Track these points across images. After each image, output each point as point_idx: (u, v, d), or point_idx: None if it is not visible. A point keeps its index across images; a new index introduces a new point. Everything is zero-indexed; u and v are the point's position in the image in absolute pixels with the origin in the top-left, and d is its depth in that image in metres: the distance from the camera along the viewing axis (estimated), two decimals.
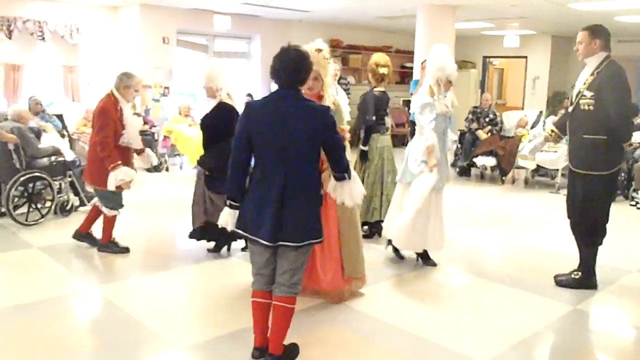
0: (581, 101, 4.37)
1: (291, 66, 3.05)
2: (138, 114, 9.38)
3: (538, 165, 9.12)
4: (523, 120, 10.09)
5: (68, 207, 6.67)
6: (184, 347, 3.54)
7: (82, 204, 6.81)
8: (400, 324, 3.96)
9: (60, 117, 8.60)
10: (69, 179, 6.69)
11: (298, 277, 3.21)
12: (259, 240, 3.09)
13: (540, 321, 4.09)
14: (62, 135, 8.15)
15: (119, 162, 4.94)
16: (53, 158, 6.48)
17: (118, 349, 3.56)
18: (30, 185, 6.20)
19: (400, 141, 13.60)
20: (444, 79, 4.73)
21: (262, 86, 12.25)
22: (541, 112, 10.82)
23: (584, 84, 4.38)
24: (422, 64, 9.08)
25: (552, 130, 4.88)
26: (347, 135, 4.33)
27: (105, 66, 10.69)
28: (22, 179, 6.06)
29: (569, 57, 14.37)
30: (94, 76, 10.77)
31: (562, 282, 4.71)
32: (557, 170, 8.93)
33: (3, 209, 6.18)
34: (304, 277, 3.52)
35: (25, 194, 6.20)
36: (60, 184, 6.57)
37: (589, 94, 4.32)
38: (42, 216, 6.26)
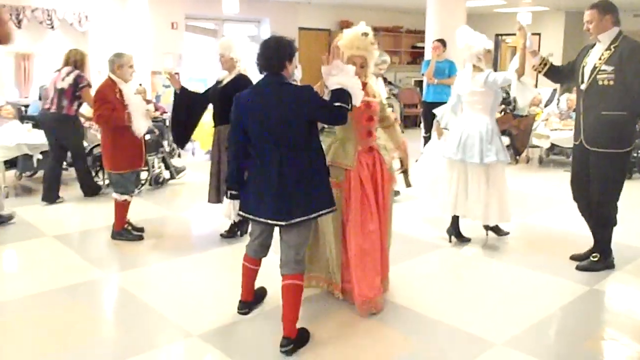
0: (599, 76, 4.27)
1: (267, 53, 3.20)
2: (149, 101, 9.40)
3: (552, 144, 9.01)
4: (537, 99, 9.94)
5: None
6: (200, 334, 3.55)
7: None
8: (413, 306, 3.94)
9: None
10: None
11: (302, 254, 3.34)
12: (261, 220, 3.28)
13: (556, 302, 4.05)
14: None
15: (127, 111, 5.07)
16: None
17: (135, 336, 3.58)
18: None
19: (413, 122, 13.51)
20: (482, 52, 4.90)
21: None
22: (555, 89, 10.66)
23: (600, 59, 4.28)
24: (433, 43, 9.02)
25: (543, 64, 4.78)
26: (394, 114, 4.32)
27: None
28: None
29: (583, 33, 14.08)
30: (104, 64, 10.75)
31: (583, 266, 4.63)
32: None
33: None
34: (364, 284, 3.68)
35: None
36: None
37: (608, 68, 4.21)
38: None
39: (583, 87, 4.40)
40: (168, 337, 3.55)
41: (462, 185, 5.06)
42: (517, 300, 4.12)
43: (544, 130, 9.08)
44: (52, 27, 10.16)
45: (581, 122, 4.43)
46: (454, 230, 5.28)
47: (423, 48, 10.76)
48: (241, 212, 3.39)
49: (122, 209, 5.29)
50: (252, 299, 3.77)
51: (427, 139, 9.28)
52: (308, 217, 3.23)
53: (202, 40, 12.05)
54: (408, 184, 4.22)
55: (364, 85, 3.64)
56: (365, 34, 3.71)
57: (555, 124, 9.04)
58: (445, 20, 9.35)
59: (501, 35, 15.60)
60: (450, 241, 5.29)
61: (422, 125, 9.49)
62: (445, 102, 8.83)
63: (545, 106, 9.87)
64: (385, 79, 13.19)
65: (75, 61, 6.51)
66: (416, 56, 14.79)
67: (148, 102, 9.38)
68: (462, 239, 5.27)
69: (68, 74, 6.42)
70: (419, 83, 13.20)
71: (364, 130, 3.76)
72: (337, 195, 3.61)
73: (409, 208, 6.53)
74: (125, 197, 5.26)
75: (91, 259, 4.87)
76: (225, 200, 3.38)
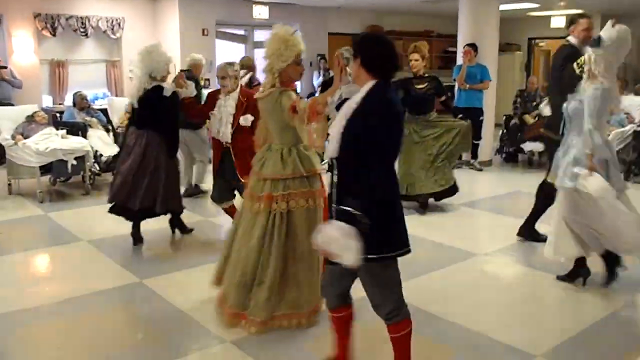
0: None
1: (393, 54, 2.70)
2: None
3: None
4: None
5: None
6: (232, 341, 3.52)
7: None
8: (448, 316, 3.85)
9: (104, 111, 8.71)
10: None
11: None
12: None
13: (596, 314, 3.92)
14: (107, 130, 8.26)
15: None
16: None
17: (165, 342, 3.57)
18: None
19: None
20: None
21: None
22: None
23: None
24: (464, 48, 8.91)
25: None
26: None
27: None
28: None
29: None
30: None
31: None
32: None
33: None
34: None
35: None
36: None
37: None
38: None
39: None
40: (201, 343, 3.53)
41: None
42: (558, 311, 4.01)
43: None
44: (86, 35, 10.33)
45: None
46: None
47: (455, 53, 10.64)
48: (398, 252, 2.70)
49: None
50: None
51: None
52: None
53: (233, 46, 12.11)
54: None
55: None
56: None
57: None
58: (478, 24, 9.22)
59: (534, 39, 15.37)
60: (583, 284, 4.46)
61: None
62: (478, 108, 8.81)
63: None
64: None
65: (249, 65, 7.35)
66: (447, 61, 14.64)
67: None
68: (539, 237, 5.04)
69: (244, 75, 7.08)
70: (451, 88, 13.07)
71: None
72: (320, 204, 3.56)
73: (452, 216, 6.43)
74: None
75: (125, 264, 4.89)
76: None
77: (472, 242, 5.40)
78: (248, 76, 7.59)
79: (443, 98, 6.54)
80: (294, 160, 3.59)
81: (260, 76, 8.37)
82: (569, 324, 3.75)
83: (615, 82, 4.18)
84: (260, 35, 12.35)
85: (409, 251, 2.70)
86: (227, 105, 4.92)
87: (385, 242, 2.61)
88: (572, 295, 4.27)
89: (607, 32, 4.00)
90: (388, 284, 2.74)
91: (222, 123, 4.95)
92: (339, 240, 2.46)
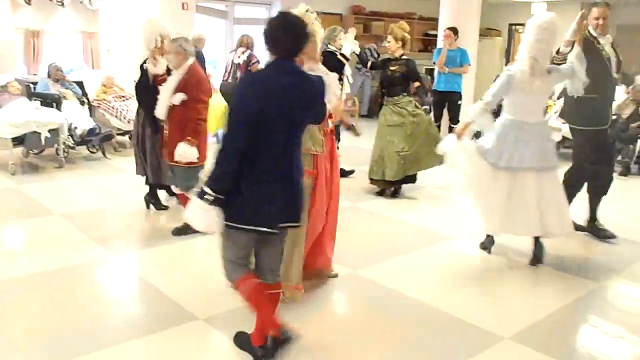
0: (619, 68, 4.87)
1: (293, 33, 2.72)
2: None
3: (564, 137, 8.90)
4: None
5: None
6: (204, 318, 3.53)
7: None
8: (421, 297, 3.91)
9: (80, 84, 8.56)
10: None
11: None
12: (271, 230, 2.80)
13: (564, 298, 4.01)
14: (82, 103, 8.13)
15: None
16: None
17: (138, 318, 3.57)
18: None
19: (423, 110, 13.40)
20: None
21: None
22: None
23: (616, 52, 4.75)
24: (444, 31, 8.91)
25: None
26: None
27: (125, 33, 10.60)
28: None
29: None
30: (114, 43, 10.69)
31: (589, 230, 5.10)
32: None
33: None
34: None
35: None
36: None
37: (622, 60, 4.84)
38: None
39: (616, 75, 4.85)
40: (173, 320, 3.52)
41: (520, 195, 4.40)
42: (526, 295, 4.09)
43: (555, 122, 8.97)
44: (62, 4, 10.08)
45: (610, 107, 4.96)
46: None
47: (435, 36, 10.65)
48: (248, 226, 2.78)
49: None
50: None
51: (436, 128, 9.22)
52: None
53: (213, 21, 11.95)
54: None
55: (317, 61, 3.63)
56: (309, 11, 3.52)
57: None
58: (460, 7, 9.24)
59: (515, 25, 15.42)
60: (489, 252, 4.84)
61: (432, 114, 9.40)
62: (457, 92, 8.84)
63: (558, 98, 9.75)
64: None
65: (248, 43, 8.31)
66: (428, 44, 14.64)
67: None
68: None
69: (243, 53, 8.20)
70: (431, 71, 13.08)
71: (325, 126, 3.71)
72: (308, 183, 3.59)
73: (425, 198, 6.48)
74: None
75: (98, 239, 4.84)
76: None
77: (447, 226, 5.45)
78: (246, 54, 8.24)
79: (417, 84, 6.54)
80: None
81: (259, 54, 8.49)
82: (536, 307, 3.83)
83: (527, 70, 4.21)
84: (240, 11, 12.20)
85: (264, 232, 2.78)
86: (168, 82, 4.79)
87: (235, 213, 2.73)
88: (540, 280, 4.35)
89: (531, 19, 4.28)
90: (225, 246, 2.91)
91: (160, 100, 4.76)
92: (195, 213, 2.70)
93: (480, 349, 3.30)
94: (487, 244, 4.83)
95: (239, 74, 8.15)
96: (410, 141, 6.15)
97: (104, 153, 7.72)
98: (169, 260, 4.49)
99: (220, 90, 8.37)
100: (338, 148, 4.09)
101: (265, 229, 2.77)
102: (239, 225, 2.76)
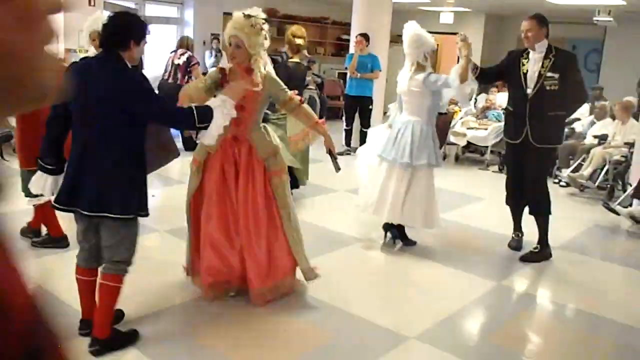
0: (545, 82, 4.67)
1: (109, 29, 3.00)
2: None
3: (468, 142, 9.30)
4: (454, 98, 10.21)
5: None
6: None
7: None
8: (329, 300, 3.94)
9: None
10: None
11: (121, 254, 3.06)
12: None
13: (467, 297, 4.18)
14: None
15: None
16: None
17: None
18: None
19: (335, 114, 13.58)
20: (430, 51, 4.86)
21: (196, 53, 11.88)
22: (473, 89, 10.99)
23: (544, 67, 4.68)
24: (356, 37, 9.07)
25: (476, 68, 4.88)
26: (298, 97, 3.84)
27: None
28: None
29: (502, 36, 14.68)
30: None
31: (525, 257, 4.95)
32: (487, 147, 9.13)
33: None
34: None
35: None
36: None
37: (555, 75, 4.66)
38: None
39: (529, 92, 4.73)
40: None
41: (389, 185, 4.93)
42: (430, 295, 4.22)
43: (460, 128, 9.36)
44: None
45: (527, 122, 4.75)
46: (399, 232, 5.13)
47: (348, 41, 10.82)
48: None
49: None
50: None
51: (348, 132, 9.37)
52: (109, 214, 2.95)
53: None
54: (337, 168, 3.85)
55: (249, 70, 3.57)
56: (248, 16, 3.54)
57: (472, 123, 9.34)
58: (371, 14, 9.43)
59: None
60: (385, 237, 5.16)
61: (344, 118, 9.54)
62: (368, 97, 9.03)
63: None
64: (309, 68, 13.13)
65: (188, 45, 8.68)
66: (341, 48, 14.87)
67: None
68: (407, 242, 5.11)
69: (183, 54, 8.49)
70: (343, 75, 13.26)
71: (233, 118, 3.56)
72: (193, 171, 3.78)
73: (334, 201, 6.56)
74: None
75: None
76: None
77: (354, 228, 5.54)
78: (186, 56, 8.51)
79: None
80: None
81: (198, 55, 8.42)
82: (440, 307, 3.96)
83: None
84: (151, 9, 11.89)
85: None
86: None
87: None
88: (444, 279, 4.52)
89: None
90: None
91: None
92: None
93: (386, 350, 3.38)
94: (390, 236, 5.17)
95: (179, 75, 8.41)
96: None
97: (1, 155, 7.28)
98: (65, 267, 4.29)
99: (159, 89, 8.30)
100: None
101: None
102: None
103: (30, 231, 4.66)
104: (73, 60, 3.16)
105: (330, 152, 3.83)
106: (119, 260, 3.05)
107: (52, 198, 3.07)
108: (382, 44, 9.53)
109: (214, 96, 3.45)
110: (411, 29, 4.85)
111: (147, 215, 3.08)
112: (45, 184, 3.08)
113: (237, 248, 3.76)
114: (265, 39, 3.63)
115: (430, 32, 4.99)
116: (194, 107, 3.04)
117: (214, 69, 4.00)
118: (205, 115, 3.02)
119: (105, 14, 4.72)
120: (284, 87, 3.75)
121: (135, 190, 3.01)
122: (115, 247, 3.03)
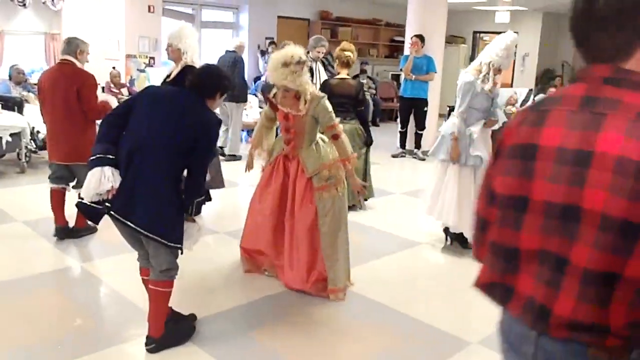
0: None
1: (203, 79, 3.19)
2: (122, 84, 9.22)
3: None
4: (513, 98, 10.02)
5: None
6: None
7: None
8: (388, 303, 3.93)
9: None
10: None
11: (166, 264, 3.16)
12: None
13: None
14: None
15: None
16: None
17: (105, 326, 3.52)
18: None
19: (389, 116, 13.53)
20: (497, 66, 4.69)
21: (249, 57, 12.05)
22: (531, 90, 10.76)
23: None
24: (411, 38, 9.00)
25: None
26: (339, 129, 3.92)
27: (89, 35, 10.42)
28: None
29: (559, 34, 14.31)
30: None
31: None
32: None
33: None
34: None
35: None
36: None
37: None
38: None
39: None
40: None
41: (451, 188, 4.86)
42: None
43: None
44: (24, 5, 9.87)
45: None
46: (458, 236, 5.06)
47: (402, 42, 10.76)
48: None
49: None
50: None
51: (402, 135, 9.32)
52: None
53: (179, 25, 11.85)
54: (360, 206, 4.36)
55: (298, 96, 3.81)
56: (286, 64, 3.68)
57: None
58: (426, 15, 9.34)
59: (479, 32, 15.71)
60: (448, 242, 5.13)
61: (398, 120, 9.49)
62: (423, 98, 8.94)
63: (521, 105, 9.95)
64: (364, 71, 13.08)
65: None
66: (394, 50, 14.79)
67: (122, 85, 9.22)
68: (467, 246, 4.93)
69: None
70: (397, 77, 13.19)
71: (284, 137, 4.05)
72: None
73: (393, 203, 6.53)
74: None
75: (62, 247, 4.75)
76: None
77: (414, 231, 5.51)
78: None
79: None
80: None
81: (251, 59, 8.58)
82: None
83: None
84: (207, 14, 12.13)
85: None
86: None
87: None
88: None
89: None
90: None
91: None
92: None
93: (447, 355, 3.34)
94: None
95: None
96: None
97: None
98: (135, 267, 4.42)
99: None
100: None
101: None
102: None
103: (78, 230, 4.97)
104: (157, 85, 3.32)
105: (357, 192, 4.24)
106: (166, 268, 3.17)
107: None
108: (438, 45, 9.43)
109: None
110: (512, 36, 4.71)
111: (182, 250, 3.18)
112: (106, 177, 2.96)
113: (279, 239, 4.10)
114: (306, 71, 3.86)
115: (485, 32, 4.93)
116: (208, 192, 3.46)
117: (266, 108, 4.28)
118: (204, 201, 3.26)
119: (186, 27, 4.90)
120: (331, 114, 3.89)
121: (180, 223, 3.13)
122: (161, 258, 3.15)
